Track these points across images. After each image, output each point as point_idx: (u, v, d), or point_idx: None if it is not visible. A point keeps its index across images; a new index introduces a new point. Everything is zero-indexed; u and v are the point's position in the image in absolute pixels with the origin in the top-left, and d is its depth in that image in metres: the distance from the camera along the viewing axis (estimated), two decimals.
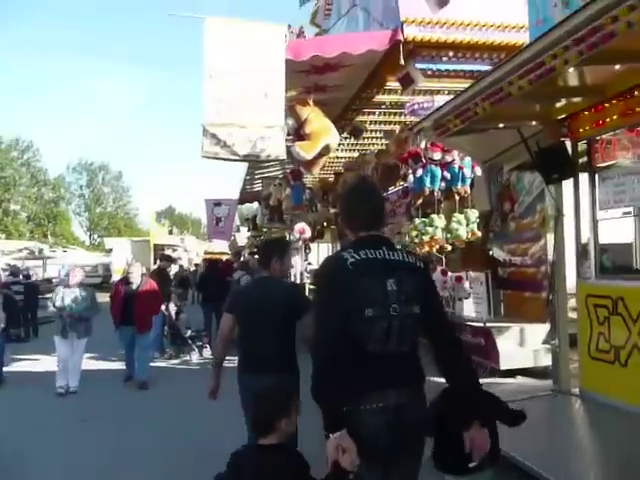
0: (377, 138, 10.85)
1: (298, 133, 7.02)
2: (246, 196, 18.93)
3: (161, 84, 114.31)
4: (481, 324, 7.39)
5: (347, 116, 8.78)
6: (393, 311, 2.15)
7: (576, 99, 5.12)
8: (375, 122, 9.97)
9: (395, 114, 9.37)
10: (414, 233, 7.34)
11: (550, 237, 6.86)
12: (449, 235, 7.19)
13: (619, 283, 5.11)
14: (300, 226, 12.35)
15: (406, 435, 2.15)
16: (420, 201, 7.73)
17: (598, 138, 5.30)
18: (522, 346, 7.19)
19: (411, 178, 7.23)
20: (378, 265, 2.20)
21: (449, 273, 7.29)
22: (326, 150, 7.11)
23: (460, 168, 7.13)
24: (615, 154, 5.19)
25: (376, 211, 2.41)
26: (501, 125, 5.50)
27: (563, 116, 5.47)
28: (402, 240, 7.99)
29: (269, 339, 3.47)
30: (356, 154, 12.04)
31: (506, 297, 8.21)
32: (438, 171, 7.12)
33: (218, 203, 19.87)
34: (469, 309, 7.67)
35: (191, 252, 36.32)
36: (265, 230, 22.23)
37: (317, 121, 6.89)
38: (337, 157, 13.09)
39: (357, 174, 11.40)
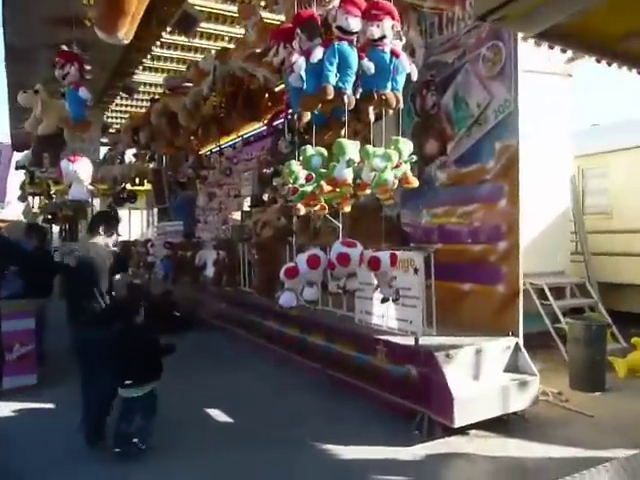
0: None
1: None
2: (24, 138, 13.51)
3: None
4: (412, 342, 4.21)
5: None
6: None
7: None
8: None
9: None
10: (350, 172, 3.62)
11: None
12: (365, 180, 3.78)
13: None
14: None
15: None
16: (307, 118, 4.19)
17: None
18: (478, 379, 4.17)
19: (300, 64, 3.61)
20: None
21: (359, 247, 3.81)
22: None
23: (394, 54, 3.74)
24: None
25: None
26: None
27: None
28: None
29: None
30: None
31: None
32: (353, 55, 3.64)
33: None
34: (390, 315, 4.42)
35: None
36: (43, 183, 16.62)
37: None
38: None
39: (185, 99, 7.44)
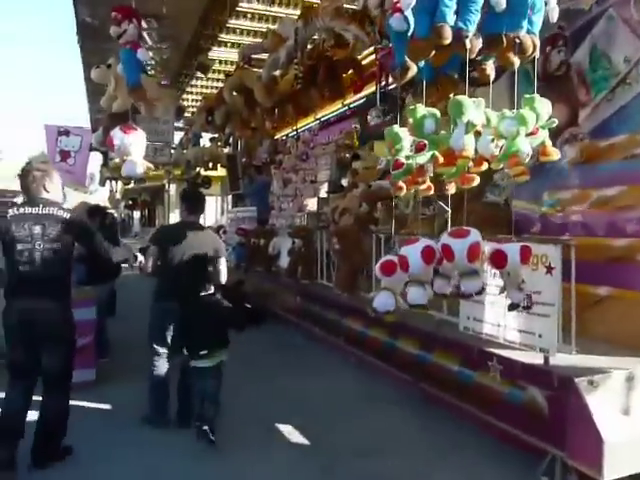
0: None
1: None
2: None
3: None
4: (541, 360, 3.29)
5: None
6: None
7: None
8: None
9: None
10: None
11: None
12: (492, 150, 2.88)
13: None
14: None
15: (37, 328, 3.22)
16: (413, 71, 3.30)
17: None
18: (629, 415, 3.18)
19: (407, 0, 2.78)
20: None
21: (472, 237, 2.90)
22: None
23: None
24: None
25: None
26: None
27: None
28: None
29: None
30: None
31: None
32: None
33: (65, 131, 14.21)
34: (509, 324, 3.50)
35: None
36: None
37: None
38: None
39: (261, 71, 6.78)
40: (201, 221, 4.53)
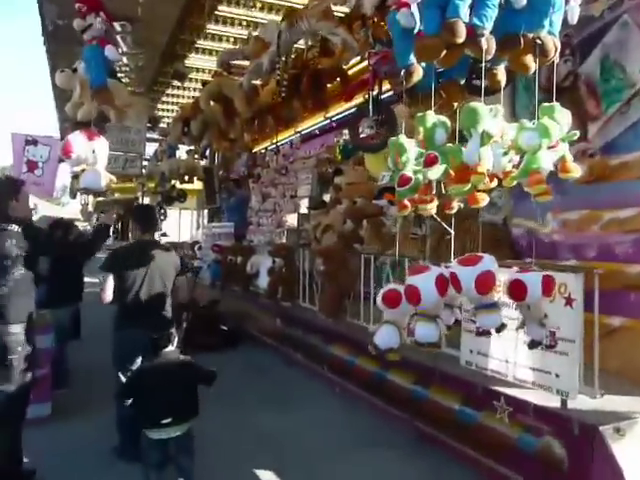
0: None
1: None
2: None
3: None
4: (558, 403, 2.91)
5: None
6: None
7: None
8: None
9: None
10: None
11: None
12: (505, 165, 2.51)
13: None
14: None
15: None
16: (419, 74, 2.92)
17: None
18: None
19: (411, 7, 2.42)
20: None
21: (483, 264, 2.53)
22: None
23: None
24: None
25: None
26: None
27: None
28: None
29: None
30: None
31: None
32: None
33: (33, 141, 13.55)
34: (519, 361, 3.12)
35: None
36: None
37: None
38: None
39: (241, 79, 6.38)
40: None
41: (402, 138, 2.55)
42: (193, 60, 8.50)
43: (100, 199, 22.48)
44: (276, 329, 6.70)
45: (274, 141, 9.27)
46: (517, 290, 2.48)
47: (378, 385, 4.43)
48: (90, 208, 24.51)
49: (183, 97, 10.60)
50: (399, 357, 2.72)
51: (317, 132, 9.96)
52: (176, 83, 9.43)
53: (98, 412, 4.14)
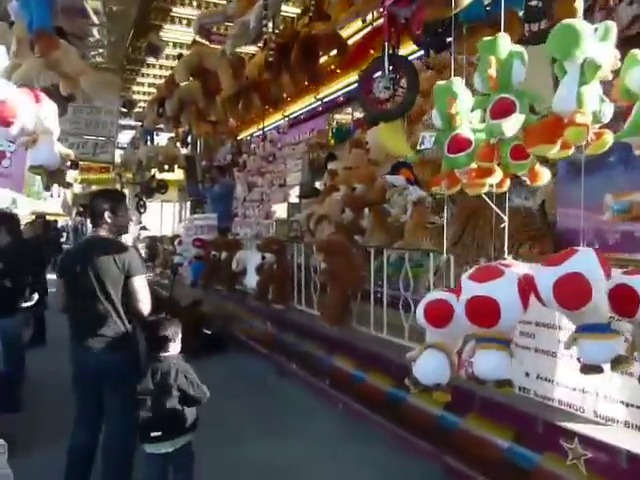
0: None
1: None
2: None
3: None
4: None
5: None
6: None
7: None
8: None
9: None
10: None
11: None
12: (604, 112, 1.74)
13: None
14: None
15: None
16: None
17: None
18: None
19: None
20: None
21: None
22: None
23: None
24: None
25: None
26: None
27: None
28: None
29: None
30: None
31: None
32: None
33: None
34: (601, 392, 2.34)
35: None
36: None
37: None
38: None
39: (224, 47, 5.51)
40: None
41: (456, 81, 1.74)
42: (169, 33, 7.59)
43: (77, 192, 21.45)
44: (267, 334, 5.88)
45: (260, 127, 8.50)
46: (626, 300, 1.69)
47: (394, 407, 3.63)
48: (69, 201, 23.46)
49: (160, 77, 9.67)
50: (449, 397, 1.90)
51: (306, 116, 9.22)
52: (151, 60, 8.51)
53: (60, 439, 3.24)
